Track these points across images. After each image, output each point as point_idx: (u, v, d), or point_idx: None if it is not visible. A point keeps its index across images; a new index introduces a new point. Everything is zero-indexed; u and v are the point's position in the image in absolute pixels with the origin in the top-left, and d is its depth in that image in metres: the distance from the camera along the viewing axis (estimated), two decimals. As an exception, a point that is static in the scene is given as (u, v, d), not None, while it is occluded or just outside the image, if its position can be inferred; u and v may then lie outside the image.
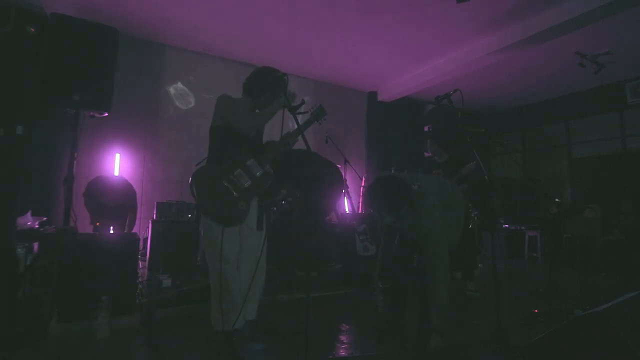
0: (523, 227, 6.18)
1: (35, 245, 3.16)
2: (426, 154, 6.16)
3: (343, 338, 2.43)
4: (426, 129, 6.65)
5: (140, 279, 3.26)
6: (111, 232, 3.52)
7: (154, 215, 3.96)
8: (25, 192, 3.37)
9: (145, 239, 4.09)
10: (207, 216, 1.78)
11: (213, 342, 2.07)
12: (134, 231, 4.05)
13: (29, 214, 3.33)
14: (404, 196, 1.98)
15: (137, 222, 4.11)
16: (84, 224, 3.61)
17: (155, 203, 4.06)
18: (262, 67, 2.05)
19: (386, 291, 2.56)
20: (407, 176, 2.23)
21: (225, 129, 1.87)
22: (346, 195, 5.21)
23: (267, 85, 1.97)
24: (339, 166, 5.31)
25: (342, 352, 2.21)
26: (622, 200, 5.45)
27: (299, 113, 2.01)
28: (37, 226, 3.36)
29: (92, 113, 3.02)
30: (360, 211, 5.75)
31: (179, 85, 5.08)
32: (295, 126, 1.93)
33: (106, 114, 3.04)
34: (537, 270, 4.97)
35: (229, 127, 1.85)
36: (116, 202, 3.78)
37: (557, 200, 5.80)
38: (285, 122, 1.97)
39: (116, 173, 4.43)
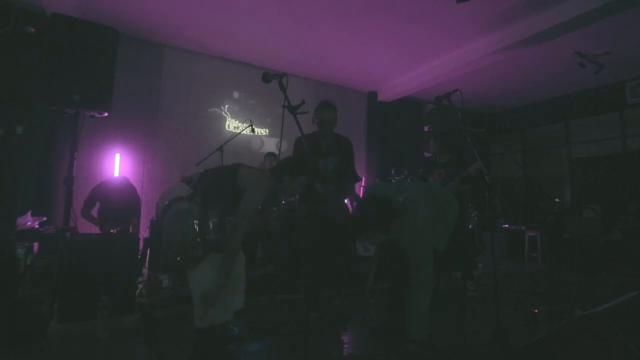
0: (523, 227, 6.19)
1: (35, 245, 3.16)
2: (426, 154, 6.17)
3: (343, 338, 2.43)
4: (426, 129, 6.66)
5: (140, 279, 3.26)
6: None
7: (154, 215, 3.96)
8: (25, 192, 3.37)
9: (145, 239, 4.08)
10: None
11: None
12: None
13: (29, 214, 3.33)
14: (390, 217, 1.98)
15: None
16: (84, 224, 3.61)
17: (156, 203, 4.06)
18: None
19: (384, 291, 2.55)
20: (395, 188, 2.21)
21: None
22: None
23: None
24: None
25: (342, 352, 2.22)
26: (632, 201, 5.39)
27: (299, 113, 2.00)
28: (37, 226, 3.36)
29: (92, 113, 3.02)
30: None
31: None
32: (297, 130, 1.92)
33: (106, 114, 3.04)
34: (537, 270, 4.97)
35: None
36: (121, 205, 3.75)
37: (557, 200, 5.81)
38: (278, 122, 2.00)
39: (116, 173, 4.42)
